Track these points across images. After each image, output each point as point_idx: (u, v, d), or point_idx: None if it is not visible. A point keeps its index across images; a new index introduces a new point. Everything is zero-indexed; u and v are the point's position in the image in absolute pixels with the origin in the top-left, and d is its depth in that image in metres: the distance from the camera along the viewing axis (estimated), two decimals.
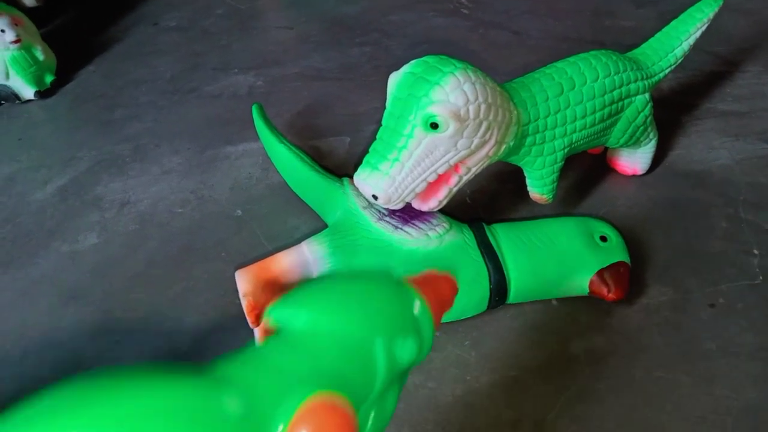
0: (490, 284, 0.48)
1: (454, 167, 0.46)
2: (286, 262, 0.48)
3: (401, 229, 0.48)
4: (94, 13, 1.03)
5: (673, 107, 0.73)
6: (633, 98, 0.55)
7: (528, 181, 0.55)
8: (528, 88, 0.50)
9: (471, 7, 0.97)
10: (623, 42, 0.84)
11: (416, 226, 0.49)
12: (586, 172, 0.65)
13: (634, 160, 0.62)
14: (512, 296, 0.49)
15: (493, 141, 0.46)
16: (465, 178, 0.47)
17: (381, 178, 0.44)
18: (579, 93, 0.51)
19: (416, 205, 0.48)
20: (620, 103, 0.54)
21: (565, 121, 0.51)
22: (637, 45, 0.60)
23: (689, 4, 0.60)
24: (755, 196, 0.61)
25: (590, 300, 0.51)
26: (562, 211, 0.61)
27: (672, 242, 0.57)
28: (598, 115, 0.53)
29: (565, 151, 0.52)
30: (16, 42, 0.78)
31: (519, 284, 0.49)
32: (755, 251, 0.56)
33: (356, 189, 0.52)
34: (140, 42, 0.94)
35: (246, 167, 0.69)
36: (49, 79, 0.84)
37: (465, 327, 0.51)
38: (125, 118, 0.78)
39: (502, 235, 0.50)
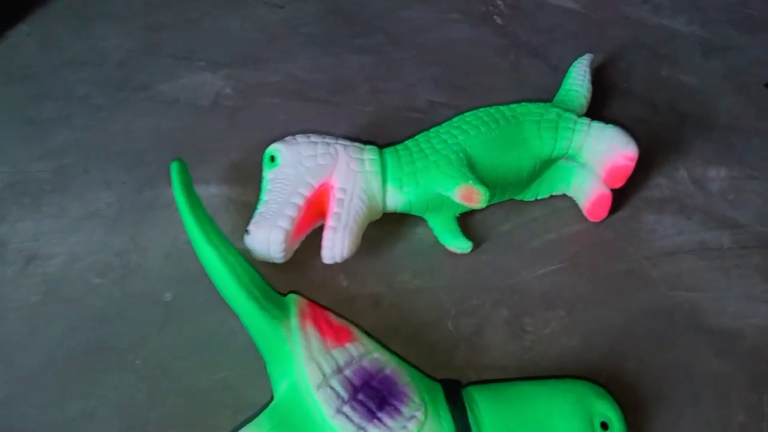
0: None
1: (326, 189, 0.50)
2: None
3: (364, 430, 0.38)
4: None
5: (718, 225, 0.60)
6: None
7: (439, 238, 0.53)
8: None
9: (507, 14, 0.78)
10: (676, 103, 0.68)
11: (384, 424, 0.38)
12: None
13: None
14: None
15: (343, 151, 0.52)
16: (353, 210, 0.49)
17: (259, 227, 0.49)
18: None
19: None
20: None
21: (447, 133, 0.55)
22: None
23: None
24: None
25: None
26: (566, 361, 0.50)
27: (682, 428, 0.47)
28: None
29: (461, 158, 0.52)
30: None
31: None
32: None
33: (307, 335, 0.43)
34: None
35: None
36: None
37: None
38: (54, 119, 0.63)
39: (487, 420, 0.41)
